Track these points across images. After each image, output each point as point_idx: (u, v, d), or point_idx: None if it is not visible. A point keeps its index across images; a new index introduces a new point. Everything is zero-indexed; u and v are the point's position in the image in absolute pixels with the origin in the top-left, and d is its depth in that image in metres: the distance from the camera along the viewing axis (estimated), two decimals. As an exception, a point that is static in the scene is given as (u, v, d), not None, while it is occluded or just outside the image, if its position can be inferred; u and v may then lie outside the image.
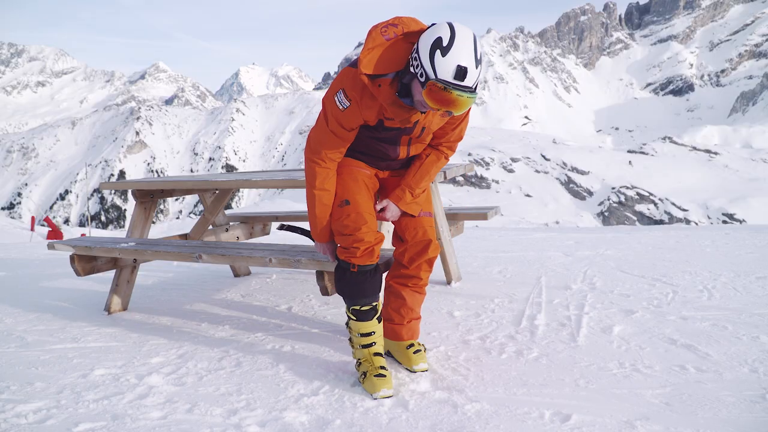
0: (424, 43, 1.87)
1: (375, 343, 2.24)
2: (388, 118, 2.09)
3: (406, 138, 2.20)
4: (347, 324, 2.30)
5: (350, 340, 2.32)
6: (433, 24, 1.96)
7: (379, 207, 2.31)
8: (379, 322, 2.26)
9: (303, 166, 2.35)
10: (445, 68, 1.82)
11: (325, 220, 2.25)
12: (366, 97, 2.04)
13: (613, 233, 6.73)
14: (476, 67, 1.85)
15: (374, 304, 2.22)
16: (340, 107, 2.08)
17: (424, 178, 2.33)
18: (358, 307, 2.21)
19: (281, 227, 2.55)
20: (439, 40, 1.84)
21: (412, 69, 1.93)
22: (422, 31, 2.00)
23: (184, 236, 3.95)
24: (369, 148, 2.26)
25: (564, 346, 2.54)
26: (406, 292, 2.36)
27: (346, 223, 2.15)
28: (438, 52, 1.83)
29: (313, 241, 2.37)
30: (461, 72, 1.83)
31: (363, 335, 2.23)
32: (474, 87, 1.87)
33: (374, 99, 2.04)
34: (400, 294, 2.37)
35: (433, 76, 1.84)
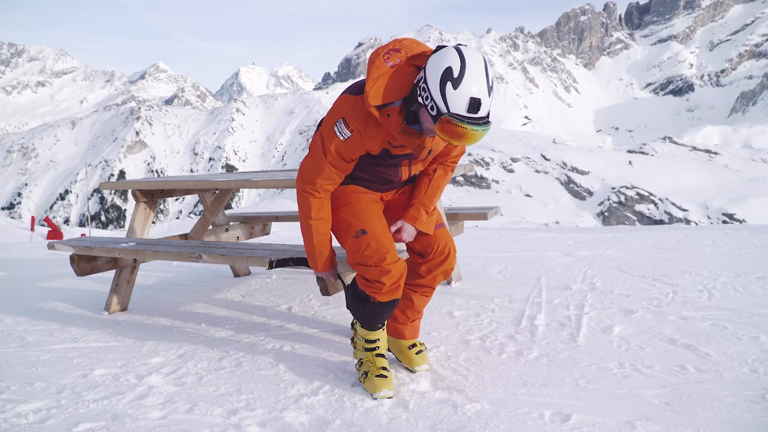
0: (433, 74, 1.76)
1: (379, 348, 2.24)
2: (396, 146, 2.01)
3: (407, 160, 2.13)
4: (353, 325, 2.31)
5: (353, 339, 2.32)
6: (439, 47, 1.83)
7: (394, 229, 2.20)
8: (383, 329, 2.26)
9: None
10: (457, 102, 1.73)
11: (325, 250, 2.19)
12: (371, 127, 1.95)
13: (613, 233, 6.72)
14: (489, 95, 1.76)
15: None
16: (341, 138, 1.98)
17: (436, 194, 2.26)
18: None
19: (271, 266, 2.45)
20: (449, 70, 1.73)
21: (420, 99, 1.83)
22: (425, 54, 1.91)
23: (184, 236, 3.95)
24: (370, 174, 2.17)
25: (564, 346, 2.54)
26: (414, 296, 2.33)
27: (368, 254, 2.02)
28: (449, 85, 1.73)
29: (308, 267, 2.31)
30: (475, 104, 1.73)
31: (368, 341, 2.23)
32: (487, 115, 1.78)
33: (379, 128, 1.95)
34: (408, 296, 2.33)
35: (446, 111, 1.74)
